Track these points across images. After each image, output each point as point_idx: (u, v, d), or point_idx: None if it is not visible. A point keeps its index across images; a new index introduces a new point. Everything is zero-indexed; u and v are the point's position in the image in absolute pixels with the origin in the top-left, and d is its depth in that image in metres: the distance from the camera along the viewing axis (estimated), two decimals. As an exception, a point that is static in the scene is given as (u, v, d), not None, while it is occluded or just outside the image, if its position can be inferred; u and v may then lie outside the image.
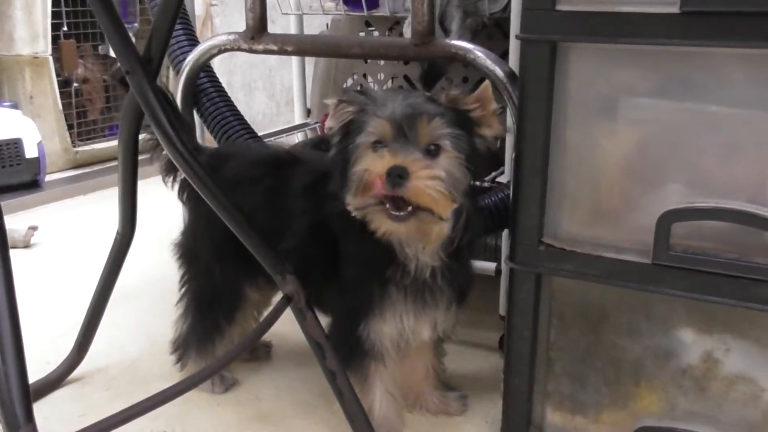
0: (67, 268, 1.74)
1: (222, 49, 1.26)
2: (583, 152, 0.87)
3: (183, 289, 1.18)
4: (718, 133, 0.81)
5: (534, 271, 0.92)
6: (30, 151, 2.27)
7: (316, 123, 1.80)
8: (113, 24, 0.88)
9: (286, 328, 1.11)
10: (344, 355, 0.99)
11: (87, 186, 2.42)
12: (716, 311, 0.85)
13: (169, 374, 1.20)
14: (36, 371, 1.20)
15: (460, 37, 1.35)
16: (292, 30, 1.75)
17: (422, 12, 1.07)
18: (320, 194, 0.98)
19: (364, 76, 1.75)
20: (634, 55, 0.82)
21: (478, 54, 1.06)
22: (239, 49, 1.24)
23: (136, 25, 2.66)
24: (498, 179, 1.21)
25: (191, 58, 1.28)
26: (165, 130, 0.90)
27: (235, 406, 1.15)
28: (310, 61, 1.85)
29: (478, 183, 0.94)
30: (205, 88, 1.34)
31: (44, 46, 2.44)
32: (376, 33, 1.72)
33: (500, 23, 1.47)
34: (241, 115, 1.36)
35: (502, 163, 1.23)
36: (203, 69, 1.31)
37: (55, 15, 2.46)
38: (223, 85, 1.40)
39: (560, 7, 0.82)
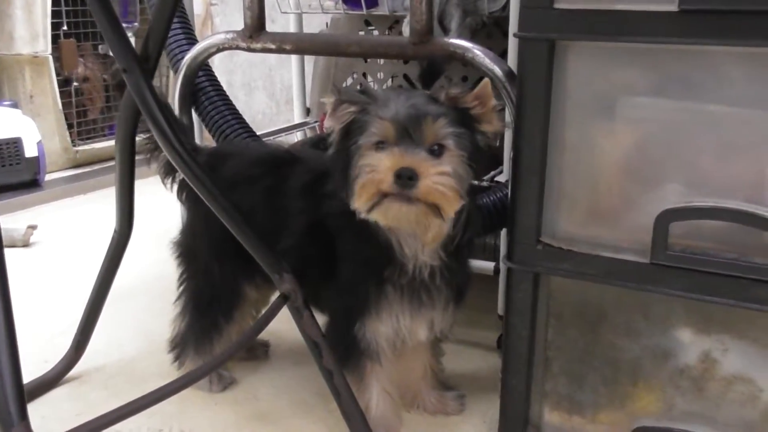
0: (67, 268, 1.74)
1: (220, 48, 1.26)
2: (581, 151, 0.87)
3: (181, 288, 1.18)
4: (716, 132, 0.80)
5: (532, 271, 0.92)
6: (30, 151, 2.27)
7: (316, 122, 1.80)
8: (109, 21, 0.88)
9: (284, 328, 1.11)
10: (341, 354, 0.99)
11: (87, 185, 2.42)
12: (714, 311, 0.84)
13: (167, 373, 1.20)
14: (34, 370, 1.20)
15: (460, 36, 1.34)
16: (292, 29, 1.75)
17: (421, 11, 1.07)
18: (319, 194, 0.98)
19: (364, 75, 1.75)
20: (633, 53, 0.81)
21: (477, 53, 1.06)
22: (237, 48, 1.24)
23: (136, 24, 2.66)
24: (497, 178, 1.21)
25: (189, 57, 1.28)
26: (162, 128, 0.90)
27: (232, 404, 1.15)
28: (309, 60, 1.85)
29: (477, 182, 0.94)
30: (204, 87, 1.34)
31: (44, 46, 2.44)
32: (375, 32, 1.72)
33: (500, 22, 1.47)
34: (240, 114, 1.35)
35: (501, 163, 1.23)
36: (202, 68, 1.31)
37: (55, 14, 2.46)
38: (223, 84, 1.40)
39: (558, 5, 0.82)
